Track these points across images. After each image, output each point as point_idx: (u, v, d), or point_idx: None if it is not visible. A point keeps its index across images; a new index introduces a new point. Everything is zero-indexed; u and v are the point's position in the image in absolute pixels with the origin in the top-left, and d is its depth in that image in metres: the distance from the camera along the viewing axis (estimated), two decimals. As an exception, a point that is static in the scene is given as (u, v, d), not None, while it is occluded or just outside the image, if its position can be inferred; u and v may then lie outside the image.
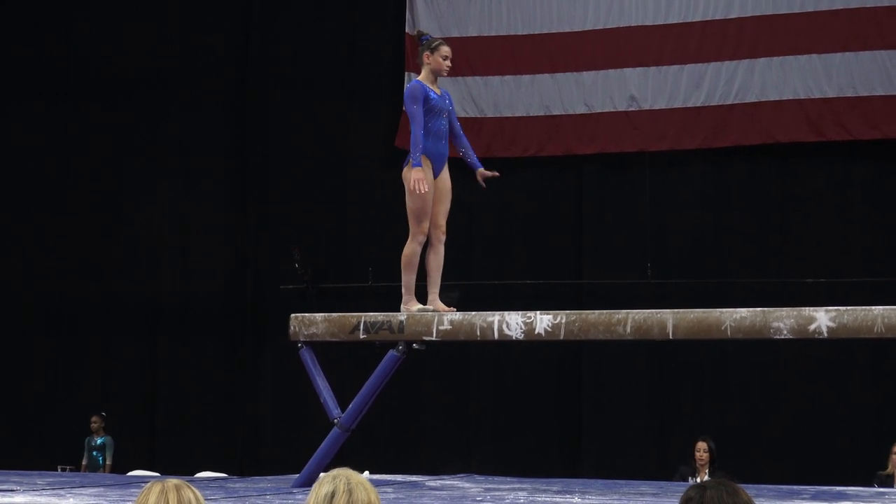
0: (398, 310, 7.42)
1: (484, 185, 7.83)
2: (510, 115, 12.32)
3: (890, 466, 10.13)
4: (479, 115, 12.31)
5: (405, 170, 7.44)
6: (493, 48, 12.40)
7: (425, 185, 7.31)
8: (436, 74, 7.53)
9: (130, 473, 10.45)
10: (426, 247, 7.52)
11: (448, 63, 7.54)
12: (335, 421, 7.44)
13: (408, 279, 7.46)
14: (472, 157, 7.81)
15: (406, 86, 7.59)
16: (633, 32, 12.03)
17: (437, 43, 7.56)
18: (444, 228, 7.55)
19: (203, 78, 13.26)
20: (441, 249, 7.54)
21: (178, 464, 11.69)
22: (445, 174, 7.56)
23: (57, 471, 12.09)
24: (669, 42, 11.92)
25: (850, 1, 11.51)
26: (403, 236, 7.82)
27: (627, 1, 12.04)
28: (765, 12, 11.72)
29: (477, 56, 12.38)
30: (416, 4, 12.52)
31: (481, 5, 12.45)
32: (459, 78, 12.32)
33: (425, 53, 7.52)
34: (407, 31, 12.47)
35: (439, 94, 7.53)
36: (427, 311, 7.35)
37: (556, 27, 12.22)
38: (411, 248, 7.44)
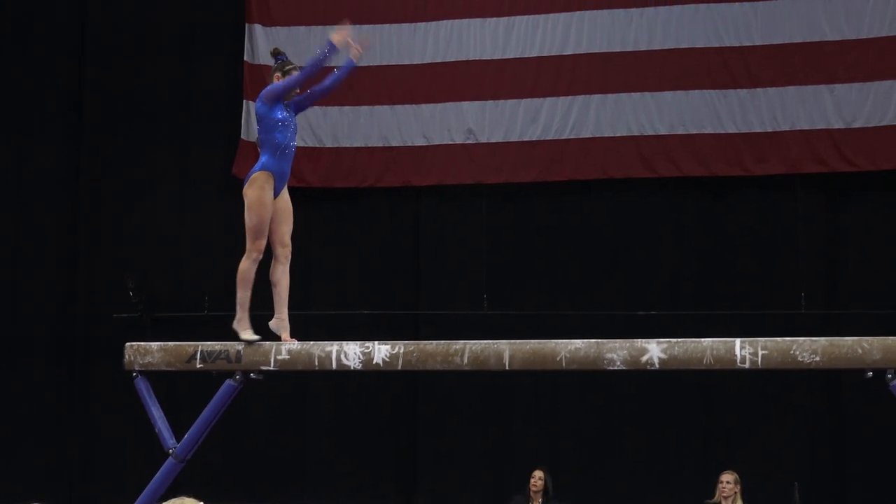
0: (234, 337, 7.40)
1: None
2: (348, 145, 12.34)
3: (717, 495, 10.37)
4: (317, 146, 12.30)
5: (245, 187, 7.46)
6: (332, 78, 12.41)
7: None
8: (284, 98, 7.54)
9: (-47, 506, 10.16)
10: (273, 265, 7.53)
11: (297, 90, 7.56)
12: (170, 451, 7.37)
13: (242, 296, 7.47)
14: (340, 73, 7.69)
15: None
16: (471, 66, 12.17)
17: (289, 67, 7.59)
18: (290, 247, 7.58)
19: (36, 104, 12.97)
20: (287, 268, 7.56)
21: (4, 496, 11.38)
22: (286, 194, 7.61)
23: None
24: (506, 76, 12.09)
25: (680, 41, 11.83)
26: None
27: (465, 35, 12.18)
28: (599, 50, 11.96)
29: (316, 85, 12.36)
30: (255, 34, 12.47)
31: (321, 35, 12.40)
32: (300, 108, 12.28)
33: (276, 75, 7.56)
34: (246, 59, 12.41)
35: (289, 112, 7.55)
36: (255, 339, 7.33)
37: (396, 60, 12.30)
38: (246, 265, 7.46)
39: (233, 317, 7.55)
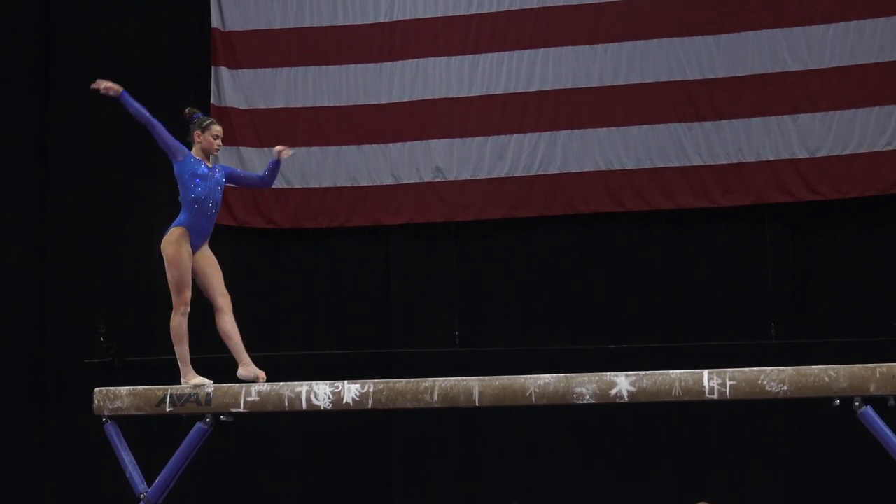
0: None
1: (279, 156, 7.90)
2: (317, 185, 12.37)
3: (692, 526, 10.39)
4: (286, 186, 12.33)
5: (162, 243, 7.59)
6: (299, 119, 12.47)
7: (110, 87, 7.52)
8: (206, 153, 7.73)
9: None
10: (218, 318, 7.63)
11: (219, 143, 7.79)
12: (141, 496, 7.37)
13: (180, 351, 7.60)
14: (269, 167, 7.92)
15: None
16: (437, 105, 12.23)
17: (208, 122, 7.76)
18: (229, 296, 7.65)
19: (2, 147, 12.95)
20: (232, 316, 7.64)
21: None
22: (207, 250, 7.71)
23: None
24: (473, 114, 12.15)
25: (644, 76, 11.91)
26: (211, 306, 7.80)
27: (431, 74, 12.24)
28: (564, 86, 12.04)
29: (283, 127, 12.43)
30: (222, 76, 12.51)
31: (287, 77, 12.51)
32: (266, 149, 12.33)
33: (196, 132, 7.72)
34: (212, 102, 12.45)
35: (210, 167, 7.67)
36: (205, 382, 7.39)
37: (363, 99, 12.36)
38: (176, 321, 7.61)
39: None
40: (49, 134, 12.93)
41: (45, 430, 12.68)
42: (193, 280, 7.64)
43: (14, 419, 12.69)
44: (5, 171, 12.91)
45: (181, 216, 7.64)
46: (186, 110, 7.89)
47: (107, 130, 12.83)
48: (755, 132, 11.67)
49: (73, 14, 13.00)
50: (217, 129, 7.79)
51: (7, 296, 12.82)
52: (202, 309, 7.85)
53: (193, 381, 7.44)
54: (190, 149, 7.76)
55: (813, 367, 6.80)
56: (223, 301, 7.65)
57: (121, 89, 7.55)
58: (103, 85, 7.55)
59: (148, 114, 7.59)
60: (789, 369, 6.79)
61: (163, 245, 7.62)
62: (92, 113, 12.85)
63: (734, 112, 11.73)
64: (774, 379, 6.74)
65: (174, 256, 7.56)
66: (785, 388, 6.74)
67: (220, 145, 7.82)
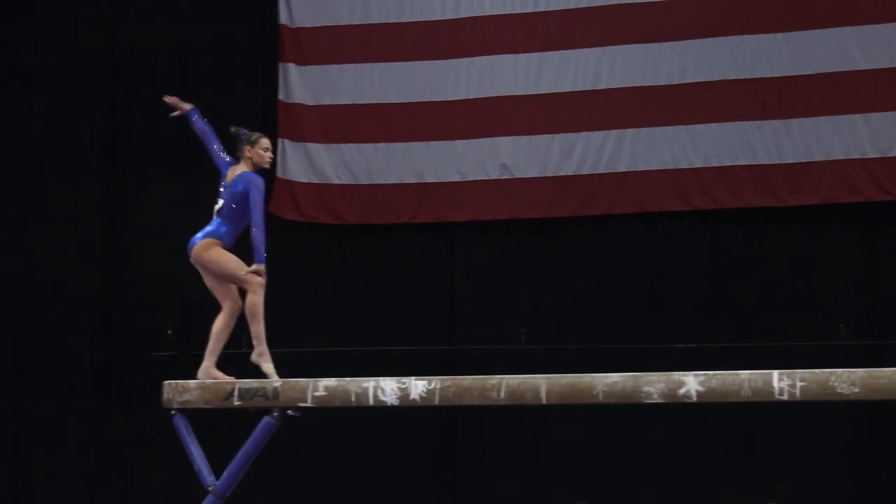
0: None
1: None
2: (383, 182, 12.39)
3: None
4: (352, 183, 12.37)
5: (200, 253, 7.81)
6: (366, 116, 12.49)
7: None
8: (258, 167, 7.86)
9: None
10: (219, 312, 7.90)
11: (270, 154, 8.02)
12: (209, 489, 7.42)
13: (256, 328, 7.70)
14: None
15: (256, 176, 7.81)
16: (503, 102, 12.21)
17: (256, 137, 7.92)
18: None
19: (70, 143, 13.06)
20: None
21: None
22: None
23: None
24: (539, 111, 12.11)
25: (712, 73, 11.84)
26: (279, 301, 7.86)
27: (498, 71, 12.23)
28: (632, 84, 11.98)
29: (350, 124, 12.46)
30: (289, 72, 12.57)
31: (354, 74, 12.54)
32: (333, 145, 12.38)
33: (245, 148, 7.85)
34: (280, 98, 12.51)
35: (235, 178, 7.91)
36: (273, 375, 7.52)
37: (429, 96, 12.35)
38: (253, 299, 7.70)
39: (273, 354, 7.69)
40: (118, 134, 13.03)
41: (111, 422, 12.78)
42: (206, 280, 7.91)
43: (83, 412, 12.81)
44: (78, 170, 13.02)
45: (225, 230, 7.89)
46: (231, 129, 8.04)
47: (176, 132, 12.87)
48: (824, 131, 11.55)
49: (140, 13, 13.08)
50: (266, 142, 7.98)
51: (78, 291, 12.92)
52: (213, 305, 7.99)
53: (266, 366, 7.57)
54: (237, 162, 7.86)
55: (885, 369, 6.73)
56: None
57: (188, 108, 7.73)
58: (172, 100, 7.71)
59: (210, 135, 7.91)
60: (860, 371, 6.72)
61: (197, 255, 7.79)
62: (161, 113, 12.92)
63: (803, 110, 11.62)
64: (846, 381, 6.68)
65: (216, 256, 7.78)
66: (856, 389, 6.68)
67: (271, 157, 8.03)
